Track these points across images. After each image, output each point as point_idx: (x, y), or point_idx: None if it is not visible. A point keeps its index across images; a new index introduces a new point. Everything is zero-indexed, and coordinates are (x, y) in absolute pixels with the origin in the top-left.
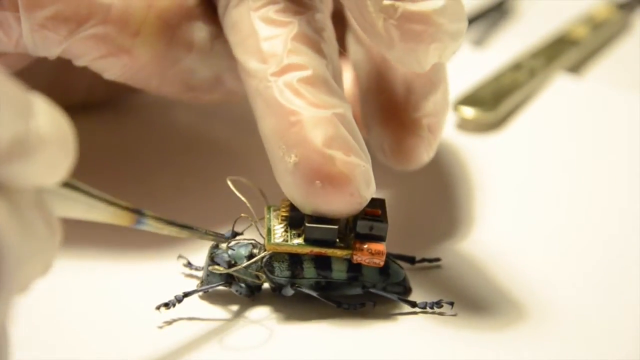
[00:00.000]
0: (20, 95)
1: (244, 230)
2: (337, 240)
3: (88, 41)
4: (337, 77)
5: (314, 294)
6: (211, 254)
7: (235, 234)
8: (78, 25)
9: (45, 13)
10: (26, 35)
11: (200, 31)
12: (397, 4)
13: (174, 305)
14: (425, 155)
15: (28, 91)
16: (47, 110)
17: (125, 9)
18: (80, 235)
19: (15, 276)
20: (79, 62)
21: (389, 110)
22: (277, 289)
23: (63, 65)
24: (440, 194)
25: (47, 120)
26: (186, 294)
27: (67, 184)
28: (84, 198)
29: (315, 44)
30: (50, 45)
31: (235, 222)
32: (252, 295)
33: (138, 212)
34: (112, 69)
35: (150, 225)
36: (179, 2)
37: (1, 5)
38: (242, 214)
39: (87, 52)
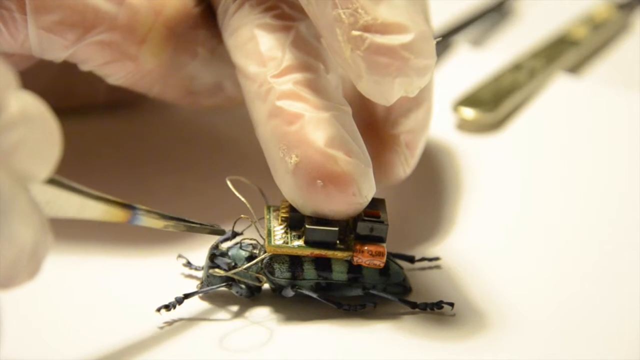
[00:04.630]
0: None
1: (244, 230)
2: (338, 242)
3: (94, 47)
4: (336, 82)
5: (314, 295)
6: (211, 254)
7: (235, 234)
8: (85, 32)
9: (52, 17)
10: (32, 38)
11: (203, 39)
12: (365, 35)
13: (174, 307)
14: (401, 171)
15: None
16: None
17: (132, 17)
18: (79, 235)
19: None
20: (84, 67)
21: (369, 123)
22: (277, 290)
23: (66, 67)
24: (440, 194)
25: (23, 99)
26: (186, 296)
27: (57, 182)
28: (76, 196)
29: (313, 49)
30: (56, 50)
31: (235, 222)
32: (253, 296)
33: (131, 207)
34: (117, 75)
35: (145, 220)
36: (186, 11)
37: (8, 7)
38: (242, 215)
39: (93, 58)
